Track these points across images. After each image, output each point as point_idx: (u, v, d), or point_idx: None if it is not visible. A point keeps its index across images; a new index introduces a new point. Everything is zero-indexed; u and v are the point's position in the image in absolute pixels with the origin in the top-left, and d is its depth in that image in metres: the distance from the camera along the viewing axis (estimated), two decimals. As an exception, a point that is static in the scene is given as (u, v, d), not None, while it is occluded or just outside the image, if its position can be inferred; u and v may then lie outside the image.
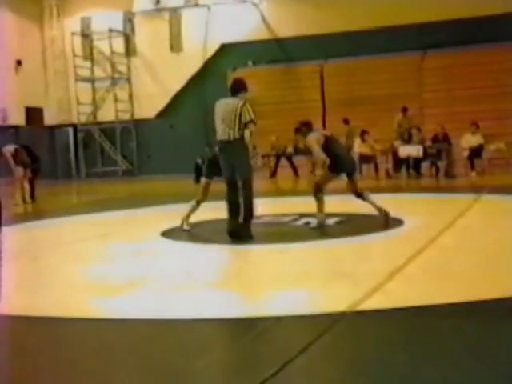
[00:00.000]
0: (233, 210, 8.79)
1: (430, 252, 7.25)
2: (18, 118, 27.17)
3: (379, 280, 5.77)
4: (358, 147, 20.11)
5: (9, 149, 16.07)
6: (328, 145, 9.50)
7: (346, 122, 21.77)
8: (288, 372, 3.73)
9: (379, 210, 9.48)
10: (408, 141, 20.15)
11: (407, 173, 19.74)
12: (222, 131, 8.64)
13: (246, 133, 8.58)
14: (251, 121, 8.57)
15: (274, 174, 22.57)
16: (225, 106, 8.70)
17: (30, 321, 5.28)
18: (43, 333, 5.04)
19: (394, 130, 20.36)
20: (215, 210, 10.18)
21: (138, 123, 28.46)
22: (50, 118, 29.23)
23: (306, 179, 20.99)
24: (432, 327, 4.55)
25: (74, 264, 7.75)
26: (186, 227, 9.88)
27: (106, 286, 6.43)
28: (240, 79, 9.34)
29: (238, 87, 8.95)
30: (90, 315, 5.27)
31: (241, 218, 8.71)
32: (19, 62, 27.51)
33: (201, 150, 24.68)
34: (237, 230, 8.64)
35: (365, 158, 20.07)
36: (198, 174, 23.13)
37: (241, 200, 8.74)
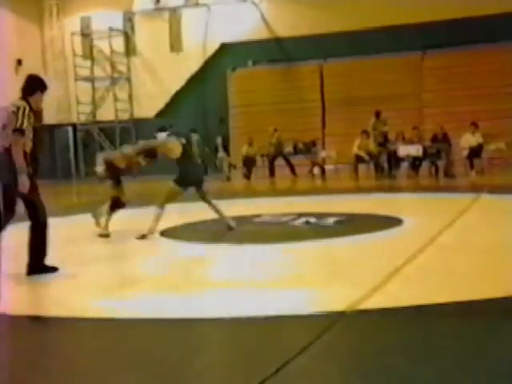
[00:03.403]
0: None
1: (430, 252, 7.25)
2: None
3: (379, 280, 5.77)
4: (357, 148, 20.13)
5: None
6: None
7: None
8: (288, 372, 3.73)
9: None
10: (383, 144, 20.27)
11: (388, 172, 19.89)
12: None
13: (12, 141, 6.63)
14: (16, 129, 6.61)
15: (272, 174, 22.56)
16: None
17: (29, 320, 5.28)
18: (43, 332, 5.05)
19: (371, 133, 20.46)
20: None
21: (138, 123, 28.44)
22: (49, 118, 29.20)
23: (304, 178, 21.01)
24: (432, 327, 4.56)
25: (73, 264, 7.74)
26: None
27: (105, 286, 6.43)
28: (35, 76, 7.32)
29: (31, 86, 7.05)
30: (89, 315, 5.27)
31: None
32: (19, 62, 27.51)
33: (200, 150, 24.72)
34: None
35: (361, 159, 20.10)
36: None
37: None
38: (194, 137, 26.27)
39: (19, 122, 6.63)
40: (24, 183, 6.58)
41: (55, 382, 3.97)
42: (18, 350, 4.53)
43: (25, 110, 6.73)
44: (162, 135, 9.59)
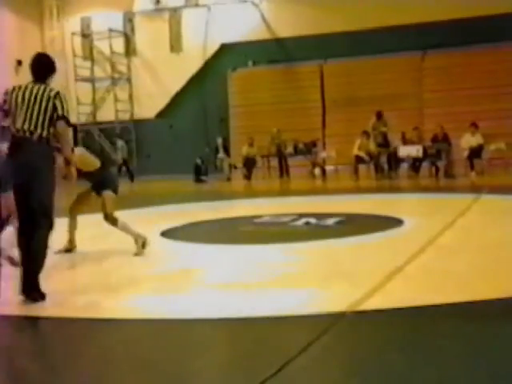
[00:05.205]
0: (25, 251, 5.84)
1: (430, 252, 7.25)
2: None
3: (379, 280, 5.77)
4: (358, 149, 20.16)
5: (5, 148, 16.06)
6: None
7: None
8: (288, 372, 3.73)
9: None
10: (383, 144, 20.33)
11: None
12: (22, 124, 5.90)
13: (60, 129, 5.95)
14: (63, 116, 5.93)
15: (286, 172, 22.56)
16: (35, 92, 5.95)
17: (30, 321, 5.28)
18: (43, 333, 5.05)
19: (371, 133, 20.54)
20: (214, 211, 10.20)
21: (138, 123, 28.46)
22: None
23: (303, 180, 21.04)
24: (432, 327, 4.56)
25: (73, 264, 7.75)
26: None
27: (105, 286, 6.43)
28: (46, 55, 6.52)
29: (48, 68, 6.21)
30: (89, 315, 5.27)
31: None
32: (19, 62, 27.51)
33: (200, 150, 24.76)
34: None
35: (361, 159, 20.14)
36: (198, 173, 23.32)
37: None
38: (119, 143, 26.38)
39: (65, 108, 5.94)
40: (71, 176, 6.30)
41: (53, 383, 3.97)
42: (18, 350, 4.53)
43: (65, 96, 6.02)
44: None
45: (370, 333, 4.54)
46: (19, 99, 5.92)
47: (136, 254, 7.84)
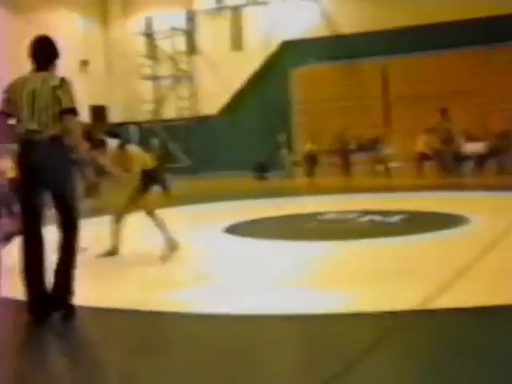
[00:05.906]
0: (33, 268, 5.03)
1: (498, 251, 7.12)
2: (83, 116, 27.51)
3: (445, 279, 5.68)
4: (422, 145, 19.95)
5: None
6: None
7: None
8: (354, 370, 3.70)
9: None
10: (448, 141, 20.00)
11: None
12: (29, 124, 5.05)
13: (68, 124, 5.08)
14: (72, 109, 5.12)
15: (349, 169, 22.50)
16: (35, 84, 5.07)
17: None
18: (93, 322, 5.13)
19: (436, 130, 20.24)
20: (278, 207, 10.19)
21: (201, 120, 28.69)
22: (114, 116, 29.69)
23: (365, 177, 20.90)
24: (499, 328, 4.46)
25: (139, 260, 7.83)
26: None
27: (169, 280, 6.49)
28: (48, 38, 5.32)
29: (52, 53, 5.28)
30: (143, 309, 5.32)
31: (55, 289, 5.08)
32: (84, 63, 28.03)
33: (262, 147, 24.79)
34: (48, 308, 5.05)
35: (425, 156, 19.92)
36: (260, 170, 23.36)
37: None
38: (154, 141, 26.39)
39: (71, 99, 5.10)
40: (91, 176, 5.35)
41: (55, 379, 4.02)
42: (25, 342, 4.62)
43: (70, 84, 5.13)
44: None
45: (438, 332, 4.45)
46: (19, 95, 5.04)
47: (162, 259, 7.42)
